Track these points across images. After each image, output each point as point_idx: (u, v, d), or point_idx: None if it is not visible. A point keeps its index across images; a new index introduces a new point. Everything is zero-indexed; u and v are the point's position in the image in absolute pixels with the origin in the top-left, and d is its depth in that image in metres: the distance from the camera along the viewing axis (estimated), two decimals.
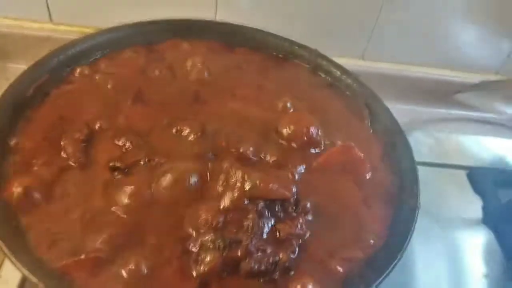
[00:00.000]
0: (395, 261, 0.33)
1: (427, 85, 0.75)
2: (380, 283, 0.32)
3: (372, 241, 0.36)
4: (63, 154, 0.37)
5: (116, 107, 0.43)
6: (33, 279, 0.27)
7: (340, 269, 0.34)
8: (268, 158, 0.39)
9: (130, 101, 0.44)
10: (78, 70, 0.46)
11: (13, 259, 0.28)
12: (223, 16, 0.61)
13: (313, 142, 0.42)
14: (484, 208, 0.68)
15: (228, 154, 0.39)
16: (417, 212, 0.38)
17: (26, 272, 0.28)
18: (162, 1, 0.63)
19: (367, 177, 0.41)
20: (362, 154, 0.41)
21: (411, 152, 0.43)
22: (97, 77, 0.45)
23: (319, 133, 0.43)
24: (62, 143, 0.38)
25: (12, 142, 0.37)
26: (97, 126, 0.40)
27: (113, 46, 0.49)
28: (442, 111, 0.77)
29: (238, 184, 0.34)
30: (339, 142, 0.43)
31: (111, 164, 0.36)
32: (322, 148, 0.43)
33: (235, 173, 0.35)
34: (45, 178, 0.35)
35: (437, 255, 0.57)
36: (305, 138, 0.42)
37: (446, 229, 0.61)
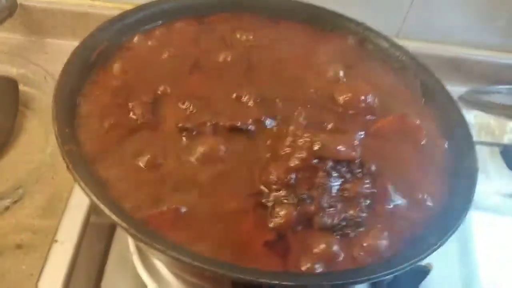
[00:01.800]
0: (459, 222, 0.34)
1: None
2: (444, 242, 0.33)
3: (430, 204, 0.37)
4: (131, 115, 0.38)
5: (176, 74, 0.44)
6: (124, 225, 0.29)
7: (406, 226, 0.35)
8: (326, 124, 0.40)
9: (188, 69, 0.44)
10: (136, 37, 0.46)
11: (106, 208, 0.29)
12: None
13: (370, 109, 0.43)
14: None
15: (289, 119, 0.40)
16: (476, 176, 0.38)
17: (118, 220, 0.29)
18: None
19: (423, 144, 0.42)
20: (418, 121, 0.42)
21: (464, 120, 0.44)
22: (154, 45, 0.46)
23: (376, 101, 0.43)
24: (130, 105, 0.39)
25: (81, 103, 0.38)
26: (159, 90, 0.41)
27: (165, 17, 0.50)
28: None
29: (307, 145, 0.35)
30: (394, 111, 0.44)
31: (180, 125, 0.37)
32: (378, 116, 0.43)
33: (303, 135, 0.36)
34: (118, 136, 0.36)
35: None
36: (363, 105, 0.43)
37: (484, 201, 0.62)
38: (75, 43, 0.75)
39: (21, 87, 0.64)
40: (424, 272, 0.45)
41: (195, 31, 0.50)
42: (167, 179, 0.34)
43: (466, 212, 0.35)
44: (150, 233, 0.29)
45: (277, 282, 0.28)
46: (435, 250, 0.31)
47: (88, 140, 0.35)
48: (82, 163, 0.32)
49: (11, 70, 0.65)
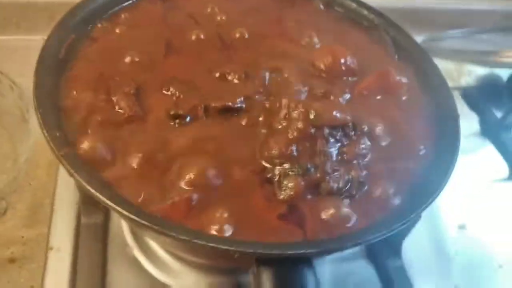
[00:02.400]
0: (453, 166, 0.36)
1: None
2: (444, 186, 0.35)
3: (423, 152, 0.39)
4: (118, 109, 0.37)
5: (151, 59, 0.42)
6: (143, 221, 0.28)
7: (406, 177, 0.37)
8: (315, 91, 0.41)
9: (163, 52, 0.43)
10: (99, 25, 0.44)
11: (118, 208, 0.28)
12: None
13: (350, 71, 0.44)
14: (481, 122, 0.74)
15: (278, 92, 0.40)
16: (459, 122, 0.41)
17: (134, 217, 0.28)
18: None
19: (404, 98, 0.44)
20: (398, 77, 0.44)
21: (439, 70, 0.46)
22: (121, 31, 0.44)
23: (354, 62, 0.44)
24: (114, 98, 0.37)
25: (63, 103, 0.36)
26: (139, 79, 0.40)
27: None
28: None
29: (303, 115, 0.36)
30: (373, 69, 0.45)
31: (172, 112, 0.36)
32: (358, 76, 0.44)
33: (297, 106, 0.36)
34: (108, 134, 0.35)
35: None
36: (343, 68, 0.43)
37: None
38: (21, 37, 0.71)
39: None
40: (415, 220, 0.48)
41: (161, 10, 0.48)
42: (169, 169, 0.33)
43: (456, 156, 0.37)
44: (172, 226, 0.29)
45: (303, 251, 0.29)
46: (439, 194, 0.33)
47: (81, 142, 0.33)
48: (83, 166, 0.31)
49: None
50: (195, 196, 0.32)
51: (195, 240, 0.28)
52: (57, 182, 0.52)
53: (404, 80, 0.44)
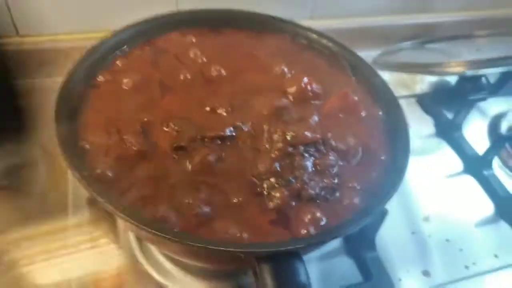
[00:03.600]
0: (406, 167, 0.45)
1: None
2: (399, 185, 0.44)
3: (383, 158, 0.48)
4: (129, 146, 0.44)
5: (149, 100, 0.49)
6: (167, 236, 0.35)
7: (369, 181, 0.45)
8: (289, 115, 0.49)
9: (159, 94, 0.50)
10: (100, 77, 0.51)
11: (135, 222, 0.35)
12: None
13: (316, 95, 0.52)
14: (435, 125, 0.85)
15: (260, 119, 0.48)
16: (408, 129, 0.50)
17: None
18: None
19: (363, 115, 0.53)
20: (356, 97, 0.52)
21: (389, 88, 0.55)
22: (118, 79, 0.51)
23: (319, 87, 0.53)
24: (124, 137, 0.44)
25: (81, 144, 0.43)
26: (143, 119, 0.47)
27: (119, 47, 0.55)
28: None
29: (281, 138, 0.44)
30: (334, 92, 0.53)
31: (175, 145, 0.44)
32: (323, 99, 0.53)
33: (276, 130, 0.44)
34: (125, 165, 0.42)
35: None
36: (310, 94, 0.52)
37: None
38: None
39: None
40: (383, 214, 0.57)
41: (151, 55, 0.56)
42: (179, 190, 0.41)
43: (408, 158, 0.46)
44: (188, 236, 0.36)
45: (292, 246, 0.36)
46: (395, 192, 0.42)
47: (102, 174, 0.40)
48: (108, 194, 0.38)
49: None
50: (205, 209, 0.39)
51: (209, 246, 0.35)
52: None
53: (359, 98, 0.52)
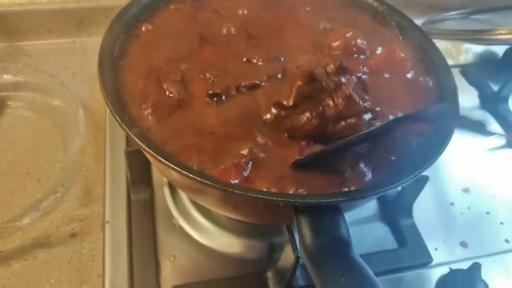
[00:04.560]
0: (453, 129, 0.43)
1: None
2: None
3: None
4: (168, 94, 0.44)
5: (188, 51, 0.49)
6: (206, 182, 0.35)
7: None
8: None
9: (197, 44, 0.50)
10: (143, 27, 0.50)
11: (183, 171, 0.35)
12: None
13: (361, 50, 0.50)
14: (480, 96, 0.81)
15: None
16: (457, 92, 0.47)
17: (199, 178, 0.35)
18: None
19: (409, 77, 0.50)
20: (403, 54, 0.50)
21: (439, 51, 0.52)
22: (159, 29, 0.51)
23: (364, 42, 0.51)
24: (164, 85, 0.44)
25: (124, 93, 0.43)
26: (182, 68, 0.46)
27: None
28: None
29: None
30: (380, 48, 0.51)
31: (210, 92, 0.43)
32: (368, 54, 0.51)
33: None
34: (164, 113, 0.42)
35: None
36: (355, 49, 0.50)
37: None
38: (55, 41, 0.78)
39: (20, 92, 0.67)
40: (423, 181, 0.55)
41: (189, 9, 0.55)
42: (220, 139, 0.40)
43: (456, 121, 0.43)
44: (228, 184, 0.36)
45: (333, 199, 0.35)
46: (440, 154, 0.40)
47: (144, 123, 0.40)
48: (150, 142, 0.38)
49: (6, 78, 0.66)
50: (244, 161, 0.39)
51: (249, 194, 0.34)
52: (106, 167, 0.59)
53: (407, 57, 0.50)
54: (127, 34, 0.49)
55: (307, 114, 0.40)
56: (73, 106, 0.60)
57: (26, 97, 0.66)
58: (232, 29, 0.52)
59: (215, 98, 0.43)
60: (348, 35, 0.50)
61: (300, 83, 0.40)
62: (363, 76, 0.47)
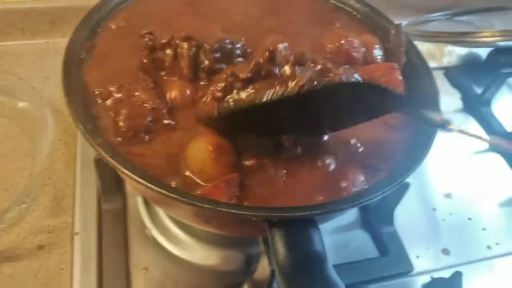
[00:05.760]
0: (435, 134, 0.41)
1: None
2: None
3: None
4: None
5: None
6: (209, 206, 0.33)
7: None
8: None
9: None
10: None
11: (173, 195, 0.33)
12: None
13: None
14: (463, 99, 0.80)
15: None
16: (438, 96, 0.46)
17: (187, 200, 0.33)
18: None
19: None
20: (401, 78, 0.48)
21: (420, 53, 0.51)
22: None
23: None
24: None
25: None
26: None
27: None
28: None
29: None
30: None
31: None
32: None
33: None
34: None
35: None
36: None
37: None
38: (27, 42, 0.74)
39: None
40: (404, 188, 0.53)
41: None
42: None
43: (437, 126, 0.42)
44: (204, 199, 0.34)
45: (308, 212, 0.34)
46: (422, 160, 0.38)
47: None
48: (115, 152, 0.35)
49: None
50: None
51: (219, 208, 0.32)
52: (76, 175, 0.57)
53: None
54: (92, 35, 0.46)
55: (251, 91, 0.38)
56: (42, 111, 0.57)
57: None
58: None
59: None
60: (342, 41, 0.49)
61: (260, 60, 0.39)
62: None
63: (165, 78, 0.43)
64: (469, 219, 0.63)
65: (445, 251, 0.59)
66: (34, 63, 0.72)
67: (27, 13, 0.74)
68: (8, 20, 0.73)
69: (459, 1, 0.95)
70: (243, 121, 0.37)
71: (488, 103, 0.78)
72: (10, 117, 0.63)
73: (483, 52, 0.87)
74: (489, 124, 0.76)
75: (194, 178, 0.37)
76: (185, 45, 0.41)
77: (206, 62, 0.42)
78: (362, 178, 0.40)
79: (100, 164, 0.50)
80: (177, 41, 0.41)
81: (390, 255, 0.56)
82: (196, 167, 0.37)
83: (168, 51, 0.42)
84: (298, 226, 0.35)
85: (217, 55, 0.42)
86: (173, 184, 0.37)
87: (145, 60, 0.43)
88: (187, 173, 0.37)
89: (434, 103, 0.45)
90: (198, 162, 0.37)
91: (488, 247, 0.60)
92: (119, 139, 0.38)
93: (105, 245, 0.51)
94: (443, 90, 0.80)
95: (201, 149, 0.37)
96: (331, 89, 0.34)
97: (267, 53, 0.39)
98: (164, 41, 0.42)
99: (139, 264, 0.50)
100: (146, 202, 0.54)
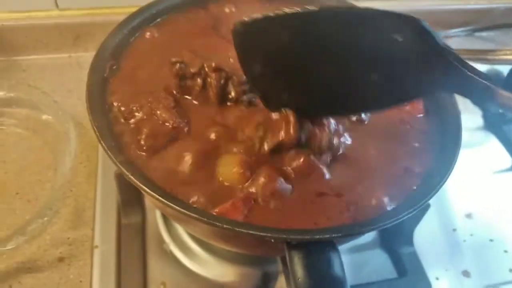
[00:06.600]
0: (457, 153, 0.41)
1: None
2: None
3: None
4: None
5: None
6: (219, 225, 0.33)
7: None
8: None
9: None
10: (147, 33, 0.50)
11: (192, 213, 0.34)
12: None
13: None
14: (484, 116, 0.79)
15: None
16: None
17: (209, 221, 0.33)
18: None
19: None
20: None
21: None
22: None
23: None
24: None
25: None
26: None
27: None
28: None
29: None
30: None
31: None
32: None
33: None
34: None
35: None
36: None
37: None
38: (51, 56, 0.76)
39: (13, 108, 0.65)
40: (425, 209, 0.53)
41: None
42: None
43: (459, 146, 0.42)
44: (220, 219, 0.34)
45: (328, 235, 0.34)
46: (444, 182, 0.38)
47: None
48: (137, 170, 0.36)
49: None
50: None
51: (238, 229, 0.33)
52: (97, 189, 0.58)
53: None
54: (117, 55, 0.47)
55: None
56: (65, 124, 0.59)
57: (18, 114, 0.65)
58: None
59: None
60: None
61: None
62: None
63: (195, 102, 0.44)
64: (491, 240, 0.62)
65: (466, 273, 0.58)
66: (57, 77, 0.74)
67: (52, 28, 0.75)
68: (34, 36, 0.75)
69: (479, 17, 0.94)
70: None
71: (509, 121, 0.76)
72: (34, 130, 0.64)
73: (505, 69, 0.86)
74: (510, 142, 0.74)
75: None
76: (214, 75, 0.42)
77: (233, 94, 0.43)
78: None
79: (120, 178, 0.51)
80: (207, 70, 0.42)
81: (409, 276, 0.55)
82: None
83: (198, 81, 0.43)
84: (318, 248, 0.34)
85: (245, 87, 0.43)
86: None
87: (173, 89, 0.44)
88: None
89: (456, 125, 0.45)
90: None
91: (511, 270, 0.59)
92: (142, 153, 0.39)
93: (124, 258, 0.51)
94: (464, 107, 0.80)
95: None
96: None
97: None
98: (194, 70, 0.43)
99: (156, 278, 0.51)
100: (165, 217, 0.55)
